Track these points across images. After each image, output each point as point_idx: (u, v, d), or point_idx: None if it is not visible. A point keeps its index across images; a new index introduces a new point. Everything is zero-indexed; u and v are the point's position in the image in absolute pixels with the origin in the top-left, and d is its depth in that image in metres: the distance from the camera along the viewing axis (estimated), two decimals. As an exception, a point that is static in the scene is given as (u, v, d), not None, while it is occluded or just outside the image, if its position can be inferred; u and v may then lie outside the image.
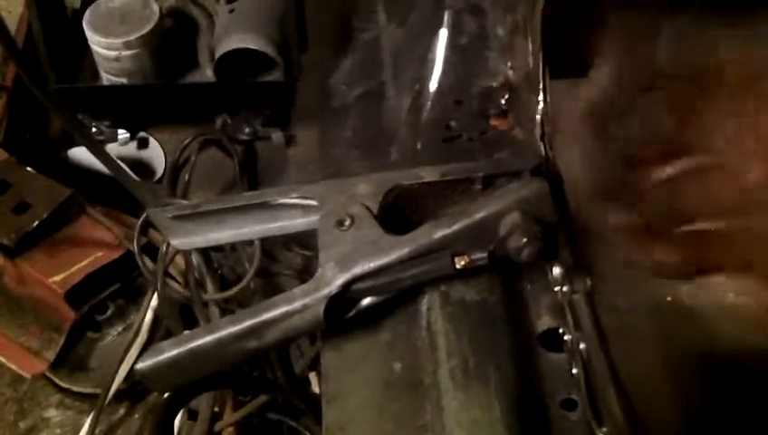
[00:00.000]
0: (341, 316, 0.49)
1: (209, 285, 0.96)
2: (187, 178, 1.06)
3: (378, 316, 0.52)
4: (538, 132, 0.55)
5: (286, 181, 1.11)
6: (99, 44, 1.02)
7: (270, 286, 1.03)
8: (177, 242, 0.56)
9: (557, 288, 0.47)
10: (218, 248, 1.00)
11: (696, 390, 0.52)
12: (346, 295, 0.48)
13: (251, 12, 1.07)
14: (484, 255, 0.46)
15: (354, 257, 0.48)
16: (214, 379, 0.89)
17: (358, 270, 0.47)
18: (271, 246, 1.03)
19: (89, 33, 1.01)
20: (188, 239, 0.56)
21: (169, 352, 0.48)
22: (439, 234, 0.47)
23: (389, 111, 0.61)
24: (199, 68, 1.09)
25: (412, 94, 0.59)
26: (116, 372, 0.91)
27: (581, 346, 0.43)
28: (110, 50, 1.02)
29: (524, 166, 0.50)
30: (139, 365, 0.49)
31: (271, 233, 0.56)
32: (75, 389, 0.93)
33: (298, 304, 0.47)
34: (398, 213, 0.52)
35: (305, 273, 1.03)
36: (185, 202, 0.55)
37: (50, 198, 0.93)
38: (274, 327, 0.48)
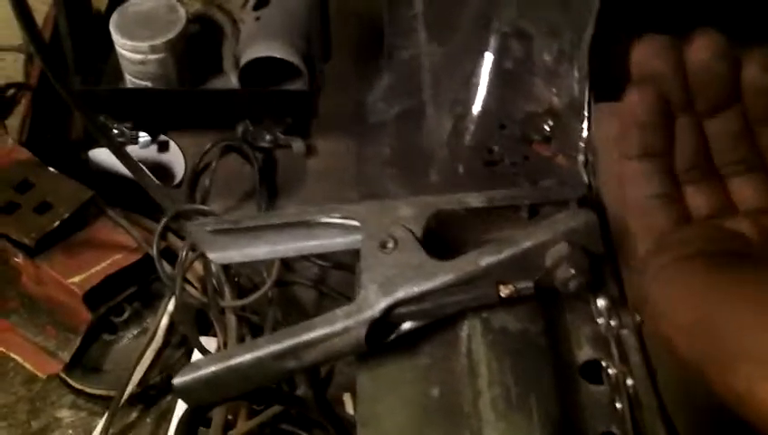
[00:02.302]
0: (382, 339, 0.49)
1: (227, 293, 0.96)
2: (207, 183, 1.06)
3: (416, 340, 0.51)
4: (581, 160, 0.55)
5: (305, 190, 1.11)
6: (124, 48, 1.02)
7: (286, 296, 1.03)
8: (213, 256, 0.56)
9: (601, 320, 0.47)
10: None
11: (712, 419, 0.52)
12: (388, 319, 0.48)
13: (277, 20, 1.07)
14: (531, 284, 0.46)
15: (397, 281, 0.48)
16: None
17: (401, 294, 0.47)
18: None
19: (115, 36, 1.01)
20: (225, 254, 0.56)
21: (207, 368, 0.48)
22: (486, 261, 0.47)
23: (429, 132, 0.61)
24: (223, 74, 1.09)
25: (454, 116, 0.59)
26: (130, 374, 0.91)
27: (629, 382, 0.42)
28: (135, 53, 1.02)
29: (572, 195, 0.50)
30: (177, 380, 0.48)
31: (308, 251, 0.55)
32: (88, 390, 0.93)
33: (339, 326, 0.47)
34: (439, 237, 0.52)
35: (321, 283, 1.03)
36: (224, 217, 0.55)
37: (71, 199, 0.93)
38: (314, 348, 0.48)
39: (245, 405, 0.92)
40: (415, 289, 0.47)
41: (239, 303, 0.94)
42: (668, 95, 0.42)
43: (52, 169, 0.96)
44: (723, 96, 0.42)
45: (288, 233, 0.55)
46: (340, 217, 0.53)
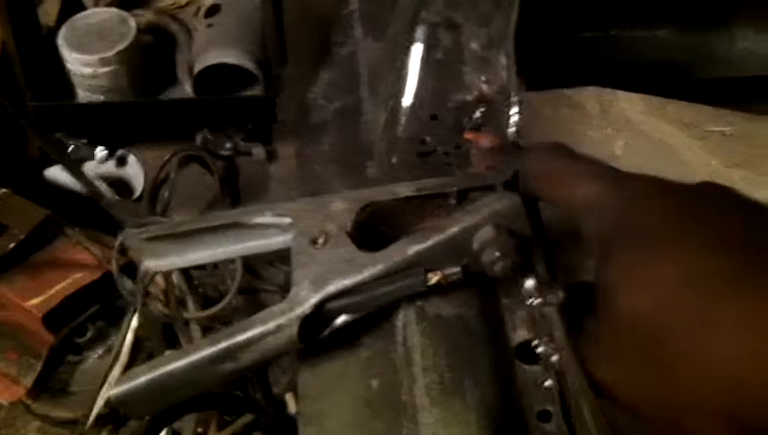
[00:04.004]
0: (317, 335, 0.48)
1: (190, 304, 0.95)
2: (167, 195, 1.05)
3: (356, 334, 0.51)
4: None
5: (269, 196, 1.11)
6: (75, 62, 1.01)
7: (253, 303, 1.02)
8: (151, 264, 0.55)
9: (530, 301, 0.47)
10: (200, 266, 1.00)
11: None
12: (321, 314, 0.47)
13: (230, 27, 1.07)
14: (458, 269, 0.46)
15: (328, 276, 0.47)
16: (197, 400, 0.89)
17: (332, 288, 0.47)
18: (254, 263, 1.03)
19: (64, 51, 1.01)
20: (163, 261, 0.55)
21: (144, 376, 0.47)
22: (413, 250, 0.47)
23: (367, 127, 0.61)
24: (178, 84, 1.09)
25: (388, 109, 0.59)
26: (96, 396, 0.90)
27: (554, 358, 0.42)
28: (86, 67, 1.01)
29: (498, 179, 0.50)
30: (114, 391, 0.48)
31: (247, 252, 0.55)
32: (54, 414, 0.92)
33: (272, 325, 0.47)
34: (373, 230, 0.52)
35: (288, 289, 1.03)
36: (159, 223, 0.54)
37: (27, 220, 0.93)
38: (250, 349, 0.47)
39: (216, 416, 0.92)
40: (345, 282, 0.47)
41: (203, 314, 0.93)
42: None
43: (6, 189, 0.95)
44: None
45: (225, 235, 0.54)
46: (272, 216, 0.52)
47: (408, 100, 0.58)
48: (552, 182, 0.47)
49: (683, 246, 0.37)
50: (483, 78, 0.57)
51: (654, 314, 0.37)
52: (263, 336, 0.47)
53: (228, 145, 1.09)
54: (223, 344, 0.47)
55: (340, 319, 0.48)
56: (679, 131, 1.04)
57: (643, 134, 1.03)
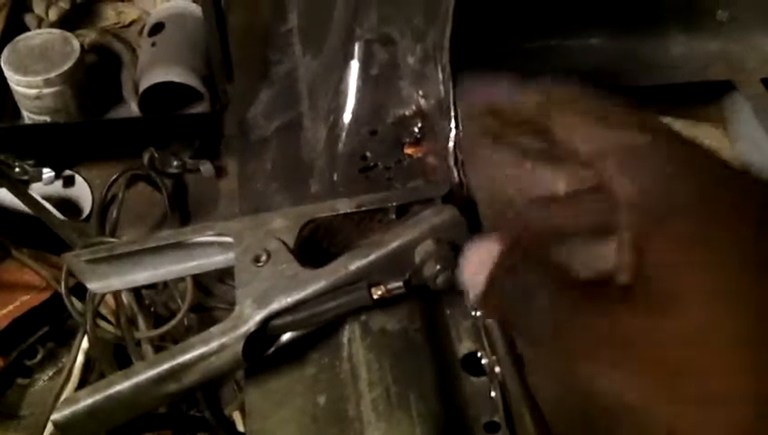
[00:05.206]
0: (262, 353, 0.48)
1: (141, 324, 0.94)
2: (115, 214, 1.04)
3: (302, 350, 0.51)
4: (451, 158, 0.56)
5: (218, 213, 1.10)
6: (18, 83, 1.00)
7: (205, 321, 1.02)
8: (93, 286, 0.55)
9: (473, 312, 0.47)
10: (151, 285, 0.99)
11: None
12: (265, 332, 0.47)
13: (173, 44, 1.07)
14: (400, 283, 0.46)
15: (271, 293, 0.47)
16: (152, 420, 0.88)
17: (275, 306, 0.47)
18: (205, 281, 1.02)
19: (7, 72, 1.00)
20: (105, 283, 0.55)
21: (86, 400, 0.47)
22: (355, 265, 0.47)
23: (307, 144, 0.62)
24: (124, 103, 1.08)
25: (327, 126, 0.59)
26: (47, 418, 0.89)
27: (497, 370, 0.43)
28: (29, 88, 1.00)
29: (436, 193, 0.51)
30: (56, 416, 0.47)
31: (189, 272, 0.55)
32: (5, 439, 0.91)
33: (215, 344, 0.47)
34: (316, 246, 0.52)
35: (241, 305, 1.02)
36: (101, 245, 0.54)
37: (-29, 244, 0.91)
38: (193, 369, 0.47)
39: (170, 435, 0.91)
40: (288, 299, 0.47)
41: (154, 333, 0.92)
42: None
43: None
44: None
45: (166, 255, 0.54)
46: (213, 235, 0.52)
47: (347, 116, 0.58)
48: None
49: None
50: (420, 92, 0.58)
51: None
52: (206, 356, 0.47)
53: (176, 162, 1.08)
54: (165, 366, 0.47)
55: (286, 336, 0.48)
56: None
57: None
